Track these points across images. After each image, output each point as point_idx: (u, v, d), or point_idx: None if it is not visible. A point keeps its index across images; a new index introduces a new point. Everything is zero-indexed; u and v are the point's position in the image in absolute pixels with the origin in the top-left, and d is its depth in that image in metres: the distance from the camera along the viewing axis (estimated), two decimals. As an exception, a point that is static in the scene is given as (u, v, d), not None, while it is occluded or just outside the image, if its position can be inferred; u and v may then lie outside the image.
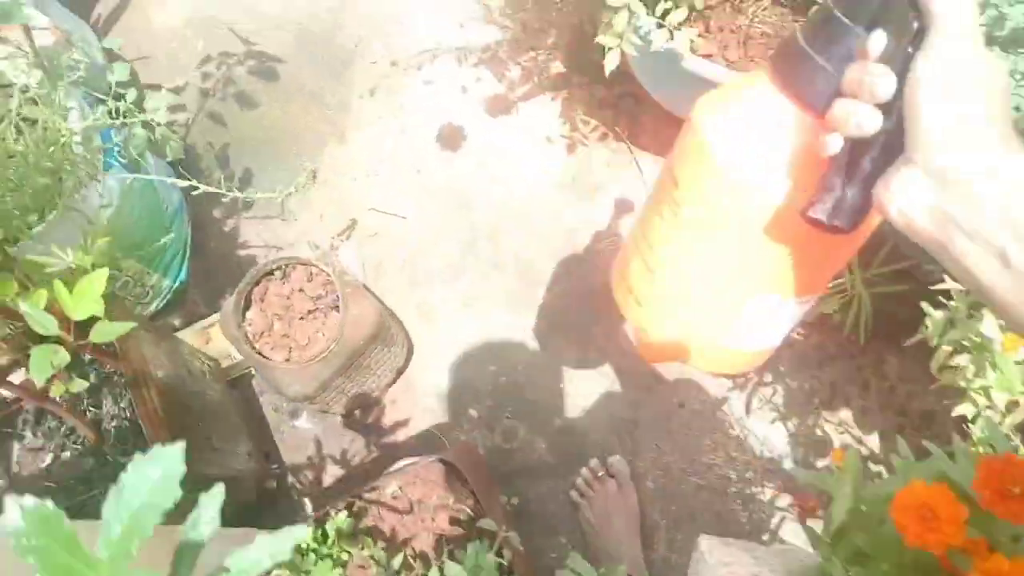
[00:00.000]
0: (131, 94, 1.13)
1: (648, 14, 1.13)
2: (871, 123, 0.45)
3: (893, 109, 0.44)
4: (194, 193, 1.09)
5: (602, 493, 1.30)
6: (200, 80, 1.66)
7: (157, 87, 1.65)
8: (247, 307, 1.03)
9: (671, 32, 1.15)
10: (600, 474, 1.33)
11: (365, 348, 1.05)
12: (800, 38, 0.51)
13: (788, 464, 1.37)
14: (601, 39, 1.13)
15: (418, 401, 1.42)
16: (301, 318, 1.02)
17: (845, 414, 1.38)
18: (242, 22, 1.69)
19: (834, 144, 0.47)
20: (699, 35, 1.21)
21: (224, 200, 1.56)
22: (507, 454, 1.39)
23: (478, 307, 1.48)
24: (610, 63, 1.14)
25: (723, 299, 0.61)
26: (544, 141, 1.57)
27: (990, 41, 0.87)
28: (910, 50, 0.44)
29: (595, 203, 1.52)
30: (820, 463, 1.38)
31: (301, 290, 1.04)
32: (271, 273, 1.05)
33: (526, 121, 1.58)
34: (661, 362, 1.39)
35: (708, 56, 1.23)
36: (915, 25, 0.43)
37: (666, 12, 1.16)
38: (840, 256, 0.63)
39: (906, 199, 0.43)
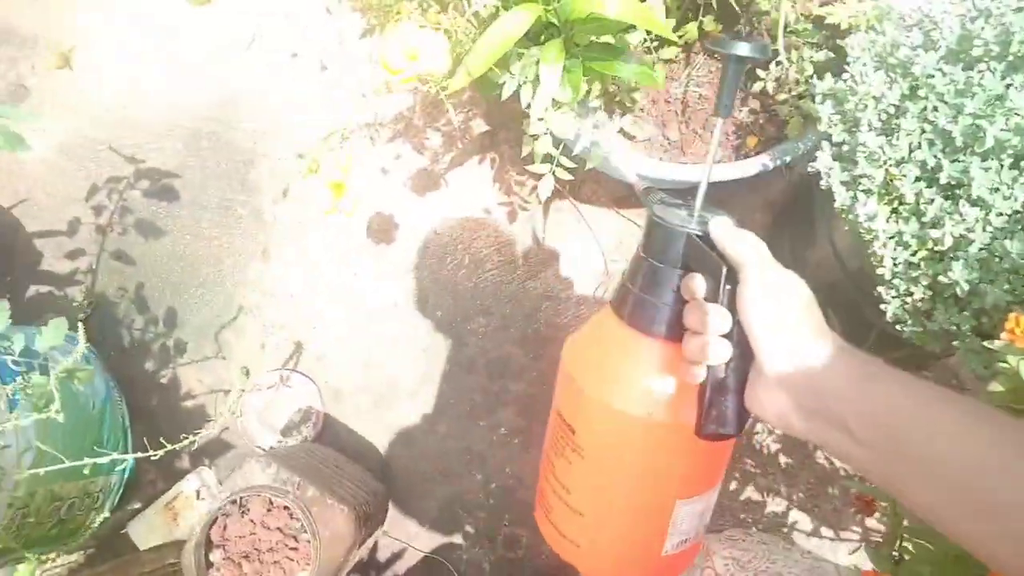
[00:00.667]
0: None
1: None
2: (723, 352, 0.55)
3: (732, 331, 0.55)
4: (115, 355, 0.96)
5: None
6: (93, 215, 1.48)
7: (47, 234, 1.48)
8: (208, 553, 0.94)
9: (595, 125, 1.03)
10: None
11: (347, 556, 0.97)
12: (630, 286, 0.62)
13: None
14: (532, 168, 1.00)
15: (410, 531, 1.36)
16: (270, 549, 0.94)
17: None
18: (123, 138, 1.50)
19: (699, 374, 0.56)
20: (633, 120, 1.08)
21: (153, 349, 1.43)
22: (515, 564, 1.34)
23: (451, 414, 1.40)
24: (544, 190, 1.02)
25: (653, 513, 0.66)
26: (483, 213, 1.45)
27: (997, 59, 0.79)
28: (727, 286, 0.54)
29: (549, 274, 1.42)
30: (830, 490, 1.36)
31: (263, 523, 0.95)
32: (227, 514, 0.95)
33: (459, 194, 1.45)
34: None
35: (647, 140, 1.11)
36: (724, 269, 0.54)
37: (592, 109, 1.03)
38: (733, 441, 0.69)
39: (774, 406, 0.53)
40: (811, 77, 1.00)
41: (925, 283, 0.82)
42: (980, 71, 0.80)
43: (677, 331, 0.59)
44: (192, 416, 1.41)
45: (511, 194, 1.46)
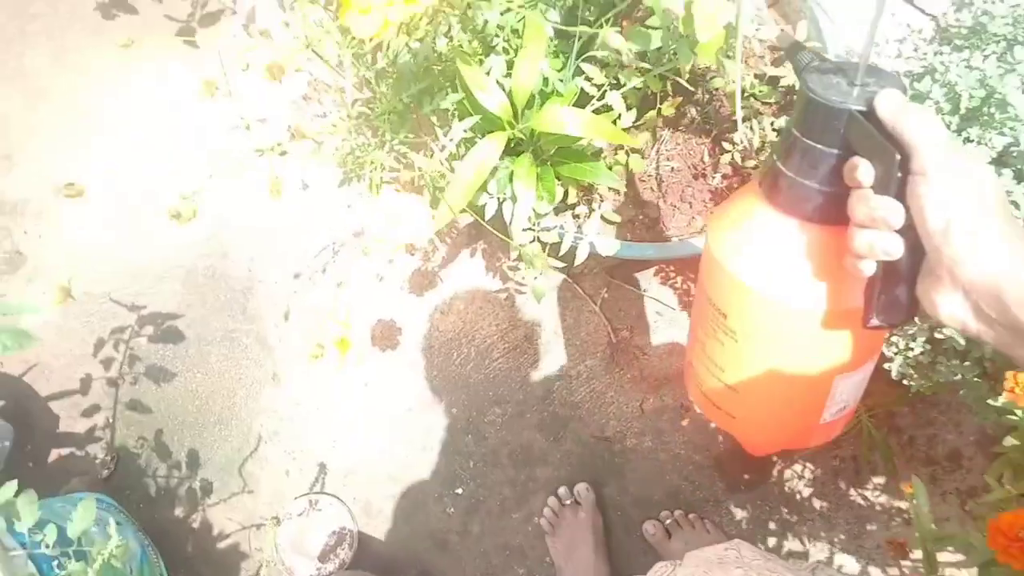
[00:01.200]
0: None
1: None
2: (895, 248, 0.48)
3: (905, 226, 0.48)
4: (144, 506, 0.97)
5: (571, 522, 1.32)
6: (103, 369, 1.51)
7: (61, 395, 1.50)
8: None
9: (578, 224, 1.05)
10: (568, 502, 1.35)
11: None
12: (782, 167, 0.55)
13: (840, 533, 1.33)
14: (520, 276, 1.02)
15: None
16: None
17: (878, 479, 1.35)
18: (122, 287, 1.53)
19: (868, 268, 0.51)
20: (612, 206, 1.11)
21: (180, 494, 1.44)
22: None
23: (483, 511, 1.40)
24: (539, 291, 1.04)
25: (811, 390, 0.64)
26: (483, 303, 1.47)
27: (949, 115, 0.81)
28: (899, 174, 0.47)
29: (557, 352, 1.43)
30: (870, 527, 1.35)
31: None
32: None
33: (455, 289, 1.47)
34: (770, 453, 1.33)
35: (630, 221, 1.14)
36: (897, 157, 0.46)
37: (571, 205, 1.06)
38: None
39: (948, 308, 0.47)
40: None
41: (923, 338, 0.83)
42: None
43: (836, 215, 0.52)
44: (228, 557, 1.41)
45: (506, 280, 1.48)
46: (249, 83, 1.49)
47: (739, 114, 1.00)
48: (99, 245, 1.53)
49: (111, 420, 1.48)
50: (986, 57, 0.82)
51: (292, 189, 1.51)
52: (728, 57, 0.97)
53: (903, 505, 1.32)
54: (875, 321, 0.53)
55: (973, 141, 0.79)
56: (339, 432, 1.44)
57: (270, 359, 1.49)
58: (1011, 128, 0.77)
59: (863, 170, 0.49)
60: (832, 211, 0.53)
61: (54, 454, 1.48)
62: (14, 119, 1.58)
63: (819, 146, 0.52)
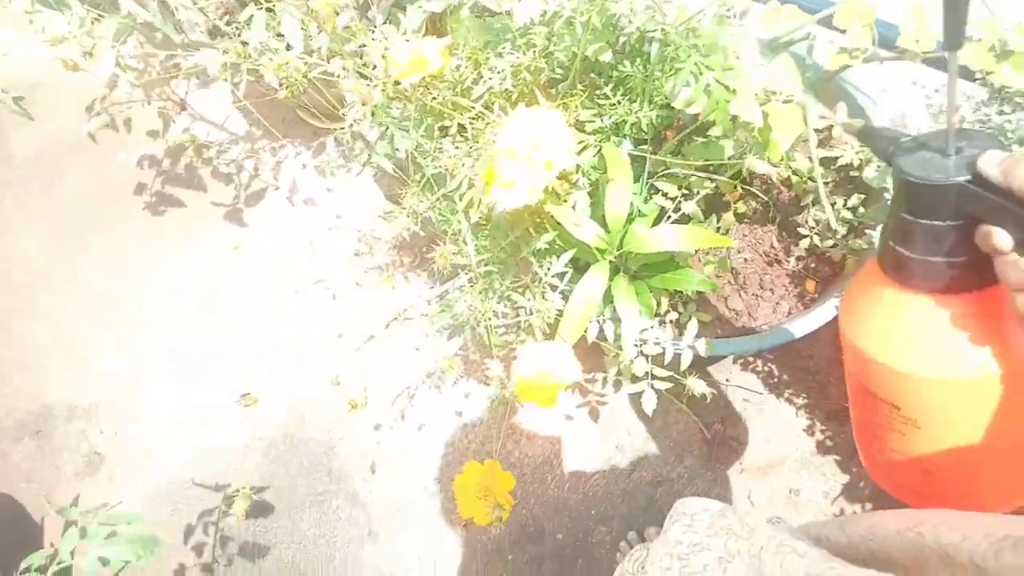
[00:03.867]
0: None
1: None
2: None
3: None
4: None
5: None
6: (195, 557, 1.47)
7: (156, 592, 1.45)
8: None
9: (679, 331, 1.06)
10: (636, 547, 1.24)
11: None
12: (904, 251, 0.53)
13: None
14: (599, 388, 1.02)
15: None
16: None
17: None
18: (204, 469, 1.52)
19: None
20: (696, 307, 1.12)
21: (295, 676, 1.37)
22: None
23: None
24: (648, 405, 1.03)
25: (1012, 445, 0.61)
26: (566, 421, 1.46)
27: None
28: None
29: (652, 459, 1.41)
30: None
31: None
32: None
33: (534, 413, 1.46)
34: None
35: (717, 318, 1.15)
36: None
37: (662, 314, 1.07)
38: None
39: None
40: (854, 220, 1.05)
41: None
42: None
43: (978, 279, 0.51)
44: None
45: (585, 394, 1.47)
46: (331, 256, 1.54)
47: (825, 200, 1.03)
48: (175, 433, 1.54)
49: (212, 609, 1.44)
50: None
51: (358, 341, 1.53)
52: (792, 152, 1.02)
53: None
54: None
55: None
56: (447, 580, 1.40)
57: (364, 515, 1.46)
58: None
59: (999, 238, 0.48)
60: (972, 277, 0.52)
61: (159, 656, 1.43)
62: (84, 325, 1.62)
63: (937, 223, 0.51)
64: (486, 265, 0.84)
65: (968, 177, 0.49)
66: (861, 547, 0.61)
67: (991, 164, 0.48)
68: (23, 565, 0.90)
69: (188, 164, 1.70)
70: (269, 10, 0.97)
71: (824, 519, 0.75)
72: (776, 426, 1.40)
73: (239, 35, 1.11)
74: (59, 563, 0.86)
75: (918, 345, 0.57)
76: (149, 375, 1.57)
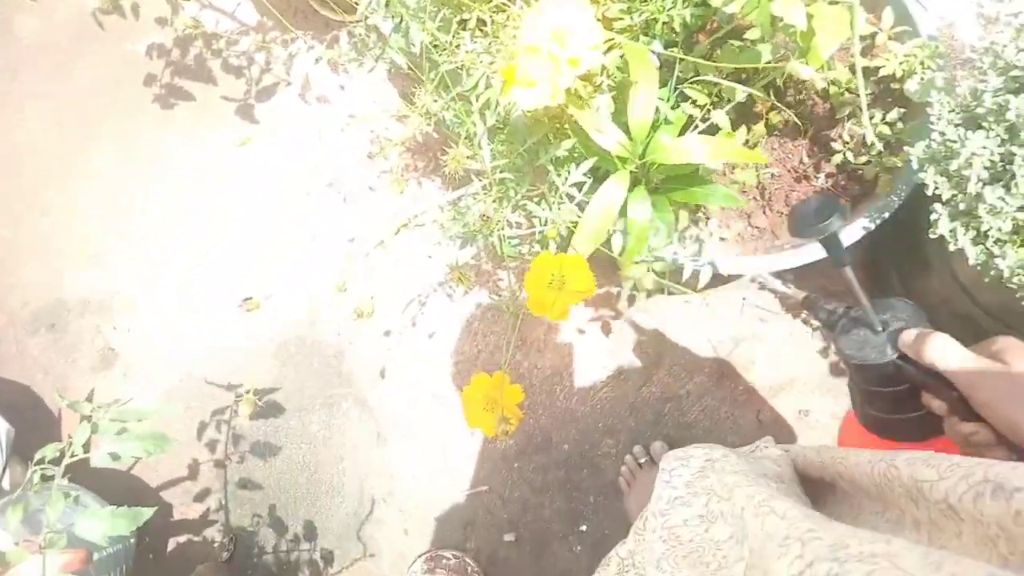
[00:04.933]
0: None
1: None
2: (1005, 458, 0.51)
3: None
4: None
5: (645, 481, 1.29)
6: (208, 452, 1.50)
7: (170, 484, 1.50)
8: None
9: (699, 247, 1.03)
10: (642, 460, 1.34)
11: None
12: (871, 410, 0.63)
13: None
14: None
15: None
16: None
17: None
18: (215, 369, 1.53)
19: None
20: (719, 222, 1.08)
21: (303, 568, 1.43)
22: None
23: (611, 542, 1.37)
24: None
25: None
26: (577, 335, 1.45)
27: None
28: (955, 394, 0.55)
29: (662, 374, 1.40)
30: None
31: None
32: None
33: (548, 323, 1.45)
34: None
35: (739, 234, 1.11)
36: (952, 392, 0.55)
37: (682, 229, 1.04)
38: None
39: None
40: (891, 137, 1.00)
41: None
42: (1079, 99, 0.79)
43: (939, 428, 0.58)
44: (362, 624, 1.39)
45: (599, 307, 1.45)
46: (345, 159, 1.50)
47: (864, 113, 0.97)
48: (188, 332, 1.54)
49: (223, 502, 1.48)
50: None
51: (369, 245, 1.51)
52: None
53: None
54: None
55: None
56: (451, 484, 1.42)
57: (372, 420, 1.48)
58: None
59: (935, 406, 0.57)
60: (936, 426, 0.58)
61: (172, 543, 1.48)
62: (95, 218, 1.60)
63: (887, 389, 0.59)
64: (501, 172, 0.80)
65: (896, 355, 0.58)
66: (830, 468, 0.62)
67: (907, 344, 0.57)
68: (37, 456, 0.91)
69: (198, 55, 1.63)
70: None
71: (812, 446, 0.74)
72: (789, 347, 1.38)
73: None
74: (72, 455, 0.87)
75: None
76: (160, 270, 1.56)
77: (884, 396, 0.60)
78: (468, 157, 0.82)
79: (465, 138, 0.79)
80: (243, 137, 1.55)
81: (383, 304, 1.50)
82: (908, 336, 0.57)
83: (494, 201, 0.79)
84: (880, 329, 0.60)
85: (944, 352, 0.55)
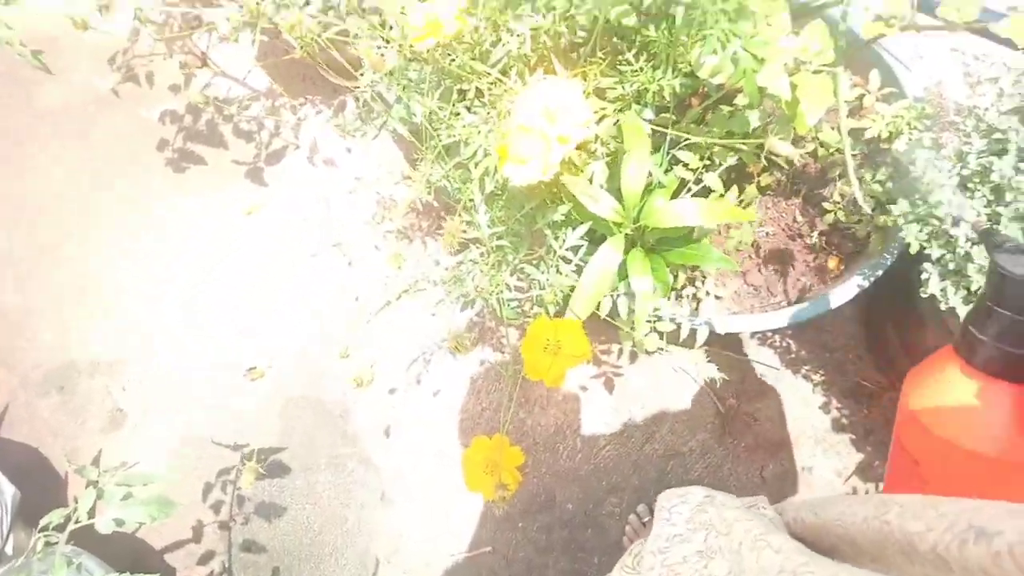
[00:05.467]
0: None
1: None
2: None
3: None
4: None
5: None
6: (213, 514, 1.50)
7: (174, 546, 1.49)
8: None
9: (696, 305, 1.04)
10: (646, 520, 1.31)
11: None
12: (980, 335, 0.60)
13: None
14: (615, 359, 1.01)
15: None
16: None
17: None
18: (222, 429, 1.54)
19: None
20: (715, 281, 1.10)
21: (308, 631, 1.41)
22: None
23: None
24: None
25: None
26: (580, 392, 1.45)
27: None
28: None
29: (665, 431, 1.40)
30: None
31: None
32: None
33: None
34: None
35: (735, 292, 1.12)
36: None
37: (679, 288, 1.05)
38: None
39: None
40: (881, 195, 1.02)
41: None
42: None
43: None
44: None
45: (600, 365, 1.46)
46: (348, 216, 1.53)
47: (852, 174, 1.00)
48: (195, 392, 1.55)
49: (227, 564, 1.47)
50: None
51: (375, 305, 1.53)
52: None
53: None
54: None
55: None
56: (455, 545, 1.41)
57: (377, 479, 1.48)
58: None
59: None
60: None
61: (176, 608, 1.47)
62: (108, 279, 1.63)
63: (1020, 317, 0.57)
64: (499, 238, 0.82)
65: None
66: (831, 531, 0.61)
67: None
68: (42, 522, 0.92)
69: (209, 120, 1.69)
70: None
71: (800, 500, 0.74)
72: (792, 402, 1.38)
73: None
74: (77, 521, 0.88)
75: (963, 418, 0.62)
76: (169, 331, 1.59)
77: (1014, 324, 0.58)
78: (467, 223, 0.85)
79: (464, 205, 0.82)
80: (251, 205, 1.59)
81: (388, 362, 1.51)
82: None
83: (491, 267, 0.81)
84: None
85: None
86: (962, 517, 0.46)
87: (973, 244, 0.85)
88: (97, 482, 0.92)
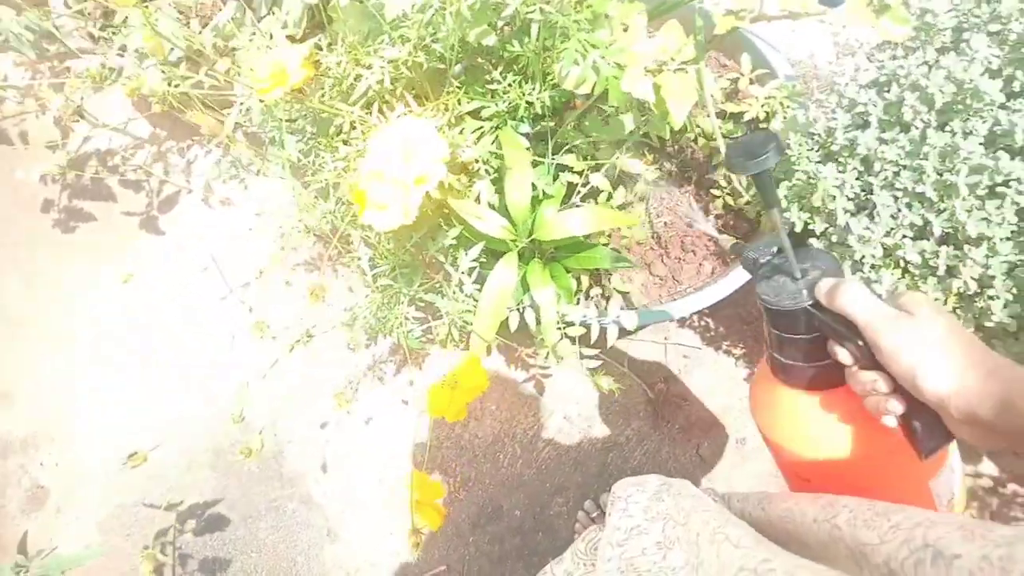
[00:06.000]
0: None
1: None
2: (895, 408, 0.56)
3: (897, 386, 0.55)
4: None
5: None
6: (155, 579, 1.45)
7: (119, 618, 1.44)
8: None
9: (605, 304, 1.05)
10: (594, 515, 1.33)
11: None
12: (781, 358, 0.63)
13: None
14: (543, 361, 1.01)
15: None
16: None
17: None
18: (152, 489, 1.48)
19: (890, 420, 0.57)
20: (620, 278, 1.11)
21: None
22: None
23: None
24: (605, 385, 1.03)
25: (915, 500, 0.68)
26: (515, 396, 1.45)
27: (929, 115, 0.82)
28: (860, 343, 0.55)
29: (600, 424, 1.42)
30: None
31: None
32: None
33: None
34: None
35: (642, 285, 1.14)
36: (858, 341, 0.55)
37: (585, 290, 1.06)
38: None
39: (961, 432, 0.53)
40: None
41: (970, 327, 0.84)
42: (917, 129, 0.84)
43: (842, 377, 0.60)
44: None
45: (529, 368, 1.47)
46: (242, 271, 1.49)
47: (723, 151, 1.02)
48: (116, 455, 1.50)
49: (175, 634, 1.43)
50: (940, 52, 0.84)
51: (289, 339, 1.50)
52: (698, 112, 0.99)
53: None
54: (925, 454, 0.57)
55: (956, 133, 0.81)
56: (409, 569, 1.40)
57: (320, 516, 1.45)
58: (991, 112, 0.79)
59: (841, 354, 0.58)
60: (839, 375, 0.60)
61: None
62: (1, 356, 1.55)
63: (797, 337, 0.61)
64: (392, 270, 0.81)
65: (811, 302, 0.59)
66: (779, 527, 0.62)
67: (822, 292, 0.58)
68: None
69: (94, 175, 1.62)
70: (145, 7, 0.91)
71: (746, 492, 0.76)
72: (717, 379, 1.41)
73: (118, 38, 1.05)
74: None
75: (808, 434, 0.65)
76: (79, 398, 1.52)
77: (794, 344, 0.61)
78: (359, 260, 0.83)
79: (346, 244, 0.80)
80: (150, 252, 1.54)
81: (314, 396, 1.48)
82: (824, 284, 0.58)
83: (380, 307, 0.80)
84: (799, 276, 0.60)
85: (855, 299, 0.55)
86: (916, 532, 0.47)
87: (851, 215, 0.88)
88: (20, 573, 0.87)
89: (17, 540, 1.47)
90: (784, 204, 0.92)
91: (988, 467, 1.32)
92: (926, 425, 0.56)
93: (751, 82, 1.09)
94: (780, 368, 0.64)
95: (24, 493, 1.50)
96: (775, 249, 0.64)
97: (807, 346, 0.61)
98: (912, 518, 0.52)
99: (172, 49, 0.94)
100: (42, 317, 1.57)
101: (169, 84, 0.75)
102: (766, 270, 0.63)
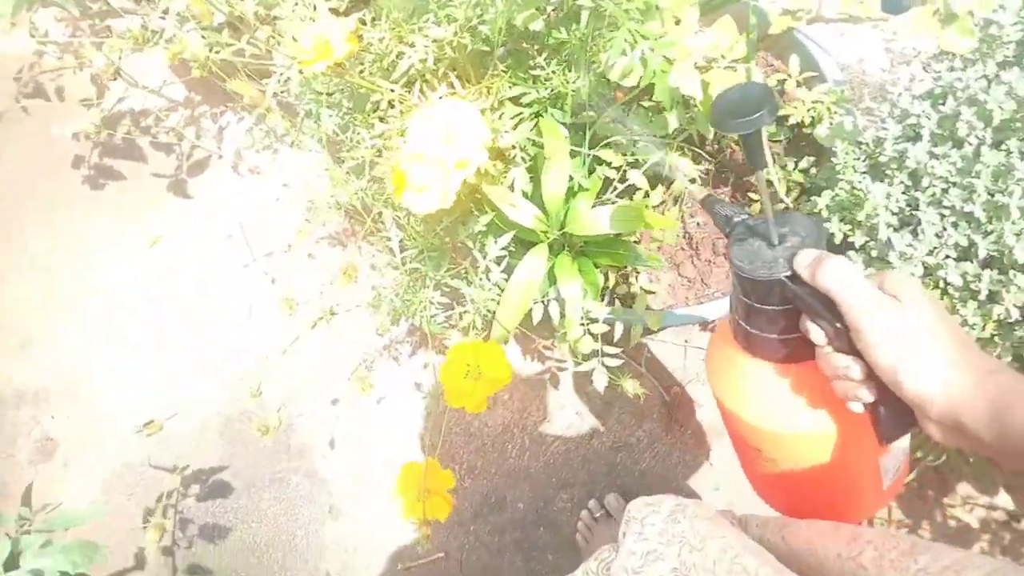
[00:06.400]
0: None
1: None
2: (865, 396, 0.52)
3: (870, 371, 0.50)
4: None
5: (602, 536, 1.27)
6: (158, 552, 1.45)
7: (119, 575, 1.44)
8: None
9: (631, 303, 1.03)
10: (598, 515, 1.32)
11: None
12: (747, 327, 0.57)
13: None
14: (559, 355, 1.00)
15: None
16: None
17: (964, 488, 1.31)
18: (159, 451, 1.49)
19: (857, 406, 0.53)
20: (649, 277, 1.09)
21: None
22: None
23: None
24: (600, 382, 1.01)
25: (864, 475, 0.67)
26: (528, 388, 1.44)
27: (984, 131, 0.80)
28: (839, 325, 0.50)
29: (612, 423, 1.40)
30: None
31: None
32: None
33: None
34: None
35: (670, 285, 1.12)
36: (836, 323, 0.50)
37: (612, 288, 1.04)
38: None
39: (926, 428, 0.49)
40: (806, 182, 1.02)
41: (1007, 357, 0.81)
42: (971, 145, 0.82)
43: (810, 351, 0.55)
44: None
45: (544, 360, 1.45)
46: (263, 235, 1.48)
47: (771, 166, 0.99)
48: (128, 414, 1.50)
49: (174, 594, 1.43)
50: (1002, 66, 0.81)
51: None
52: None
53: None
54: (888, 439, 0.54)
55: (1012, 152, 0.78)
56: (408, 554, 1.40)
57: (324, 493, 1.45)
58: (1050, 135, 0.76)
59: (814, 332, 0.53)
60: (807, 350, 0.55)
61: (121, 640, 1.43)
62: (25, 305, 1.56)
63: (768, 307, 0.55)
64: (420, 253, 0.80)
65: (788, 273, 0.52)
66: (800, 560, 0.61)
67: (802, 265, 0.51)
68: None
69: (126, 135, 1.62)
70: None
71: (765, 517, 0.74)
72: (735, 387, 1.39)
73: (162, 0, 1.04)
74: (-7, 573, 0.83)
75: (766, 404, 0.61)
76: (96, 354, 1.53)
77: (764, 313, 0.55)
78: (389, 240, 0.82)
79: (376, 224, 0.79)
80: (178, 215, 1.54)
81: (329, 372, 1.48)
82: (806, 256, 0.52)
83: (407, 289, 0.78)
84: (776, 243, 0.54)
85: (840, 277, 0.49)
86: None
87: (894, 230, 0.86)
88: (16, 530, 0.88)
89: (22, 490, 1.48)
90: (825, 214, 0.90)
91: (1003, 499, 1.29)
92: (892, 412, 0.52)
93: (798, 84, 1.07)
94: (743, 336, 0.58)
95: (34, 444, 1.51)
96: (745, 212, 0.58)
97: (776, 318, 0.55)
98: (939, 560, 0.50)
99: (215, 14, 0.93)
100: (68, 270, 1.57)
101: (210, 50, 0.74)
102: (740, 231, 0.57)
